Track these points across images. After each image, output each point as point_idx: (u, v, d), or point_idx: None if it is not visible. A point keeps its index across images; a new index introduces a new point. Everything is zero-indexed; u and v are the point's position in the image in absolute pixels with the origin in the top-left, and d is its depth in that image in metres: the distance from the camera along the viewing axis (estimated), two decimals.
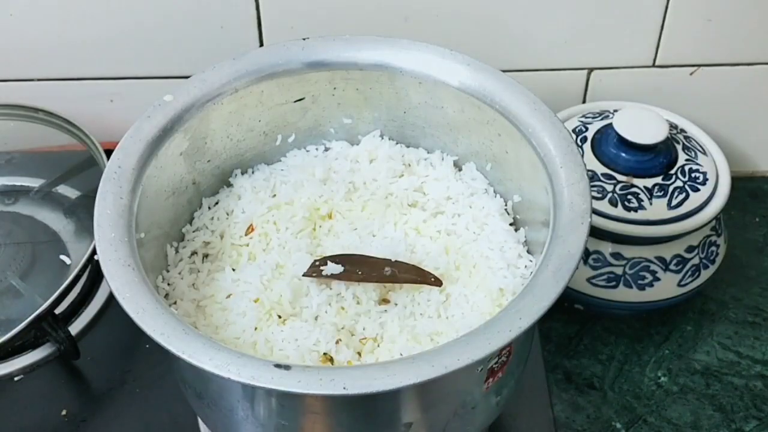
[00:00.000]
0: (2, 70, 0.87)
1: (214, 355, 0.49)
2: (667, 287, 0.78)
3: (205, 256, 0.65)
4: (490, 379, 0.56)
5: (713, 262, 0.80)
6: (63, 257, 0.79)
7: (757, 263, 0.87)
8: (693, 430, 0.74)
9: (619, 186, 0.76)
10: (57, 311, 0.72)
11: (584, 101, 0.90)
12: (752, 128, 0.93)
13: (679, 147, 0.79)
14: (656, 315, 0.81)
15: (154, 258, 0.61)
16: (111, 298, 0.79)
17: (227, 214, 0.67)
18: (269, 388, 0.48)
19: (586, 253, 0.77)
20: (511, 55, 0.86)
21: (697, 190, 0.77)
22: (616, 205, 0.76)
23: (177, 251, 0.64)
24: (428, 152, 0.70)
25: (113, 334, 0.77)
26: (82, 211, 0.82)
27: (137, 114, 0.62)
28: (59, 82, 0.88)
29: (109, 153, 0.62)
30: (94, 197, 0.57)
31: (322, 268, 0.60)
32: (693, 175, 0.78)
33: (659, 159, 0.77)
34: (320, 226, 0.66)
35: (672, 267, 0.77)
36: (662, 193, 0.76)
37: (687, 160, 0.78)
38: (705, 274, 0.79)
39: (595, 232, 0.75)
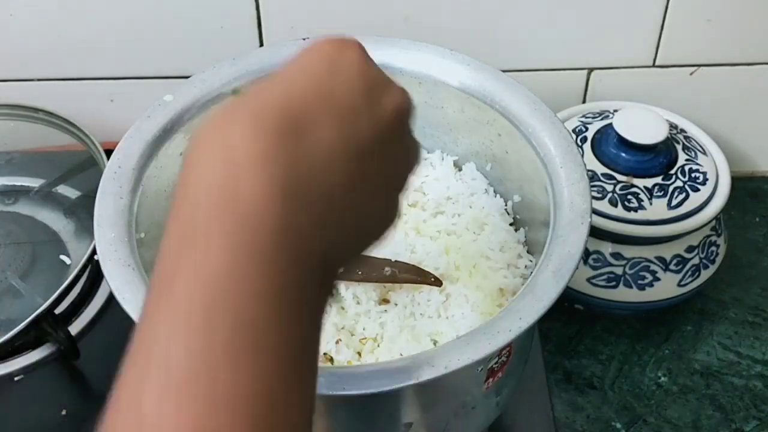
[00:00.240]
0: (2, 70, 0.87)
1: None
2: (667, 287, 0.78)
3: None
4: (490, 379, 0.56)
5: (713, 262, 0.80)
6: (63, 257, 0.79)
7: (757, 263, 0.87)
8: (693, 430, 0.74)
9: (619, 186, 0.76)
10: (57, 311, 0.72)
11: (584, 101, 0.90)
12: (752, 128, 0.93)
13: (679, 147, 0.79)
14: (656, 315, 0.81)
15: (154, 258, 0.61)
16: (111, 298, 0.79)
17: None
18: None
19: (586, 253, 0.77)
20: (511, 55, 0.86)
21: (697, 190, 0.77)
22: (616, 205, 0.76)
23: None
24: (428, 152, 0.70)
25: (113, 334, 0.77)
26: (82, 211, 0.82)
27: (137, 114, 0.62)
28: (59, 82, 0.88)
29: (109, 153, 0.62)
30: (94, 197, 0.57)
31: None
32: (693, 175, 0.78)
33: (659, 159, 0.77)
34: None
35: (672, 267, 0.77)
36: (662, 193, 0.76)
37: (687, 160, 0.78)
38: (705, 274, 0.79)
39: (595, 232, 0.75)
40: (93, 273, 0.79)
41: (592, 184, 0.69)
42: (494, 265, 0.62)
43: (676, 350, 0.79)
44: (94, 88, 0.88)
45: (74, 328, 0.76)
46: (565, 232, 0.55)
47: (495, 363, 0.55)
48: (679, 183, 0.77)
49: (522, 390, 0.71)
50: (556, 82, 0.88)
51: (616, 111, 0.80)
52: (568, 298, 0.80)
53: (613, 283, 0.77)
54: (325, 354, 0.57)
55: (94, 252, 0.63)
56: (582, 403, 0.76)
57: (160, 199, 0.62)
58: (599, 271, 0.77)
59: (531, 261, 0.63)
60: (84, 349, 0.74)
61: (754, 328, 0.81)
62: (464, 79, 0.65)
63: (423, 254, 0.63)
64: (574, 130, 0.81)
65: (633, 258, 0.77)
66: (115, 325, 0.78)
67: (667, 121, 0.78)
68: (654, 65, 0.87)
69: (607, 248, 0.77)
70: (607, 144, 0.78)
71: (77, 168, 0.84)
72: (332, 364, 0.57)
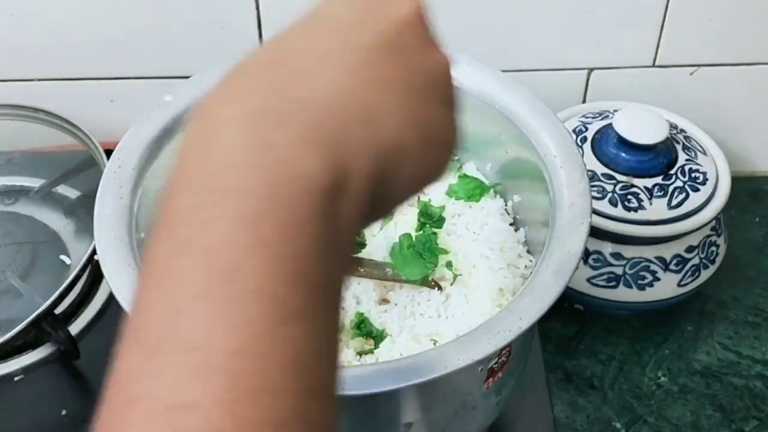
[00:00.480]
0: (2, 70, 0.87)
1: None
2: (667, 287, 0.78)
3: None
4: (490, 379, 0.56)
5: (713, 262, 0.80)
6: (63, 257, 0.79)
7: (757, 263, 0.87)
8: (693, 430, 0.74)
9: (619, 186, 0.76)
10: (57, 311, 0.72)
11: (584, 101, 0.90)
12: (752, 128, 0.93)
13: (679, 147, 0.79)
14: (656, 315, 0.81)
15: None
16: (111, 298, 0.79)
17: None
18: None
19: (586, 253, 0.77)
20: (511, 55, 0.86)
21: (697, 190, 0.77)
22: (616, 205, 0.76)
23: None
24: None
25: (113, 334, 0.77)
26: (82, 211, 0.82)
27: (137, 114, 0.62)
28: (59, 82, 0.88)
29: (109, 153, 0.62)
30: (94, 197, 0.57)
31: None
32: (693, 175, 0.78)
33: (659, 159, 0.77)
34: None
35: (672, 267, 0.77)
36: (662, 193, 0.76)
37: (687, 160, 0.78)
38: (705, 274, 0.79)
39: (595, 232, 0.75)
40: (93, 273, 0.79)
41: (592, 184, 0.69)
42: (494, 265, 0.62)
43: (676, 350, 0.79)
44: (94, 88, 0.88)
45: (74, 328, 0.76)
46: (565, 232, 0.55)
47: (495, 363, 0.55)
48: (679, 183, 0.77)
49: (522, 390, 0.71)
50: (556, 82, 0.88)
51: (616, 111, 0.80)
52: (568, 298, 0.80)
53: (613, 283, 0.77)
54: None
55: (94, 252, 0.63)
56: (582, 403, 0.76)
57: (160, 199, 0.62)
58: (599, 271, 0.77)
59: (531, 261, 0.63)
60: (84, 349, 0.74)
61: (754, 328, 0.81)
62: (464, 79, 0.65)
63: None
64: (574, 130, 0.81)
65: (633, 258, 0.77)
66: (115, 325, 0.78)
67: (667, 121, 0.78)
68: (654, 65, 0.87)
69: (607, 248, 0.77)
70: (607, 144, 0.78)
71: (77, 168, 0.84)
72: None
